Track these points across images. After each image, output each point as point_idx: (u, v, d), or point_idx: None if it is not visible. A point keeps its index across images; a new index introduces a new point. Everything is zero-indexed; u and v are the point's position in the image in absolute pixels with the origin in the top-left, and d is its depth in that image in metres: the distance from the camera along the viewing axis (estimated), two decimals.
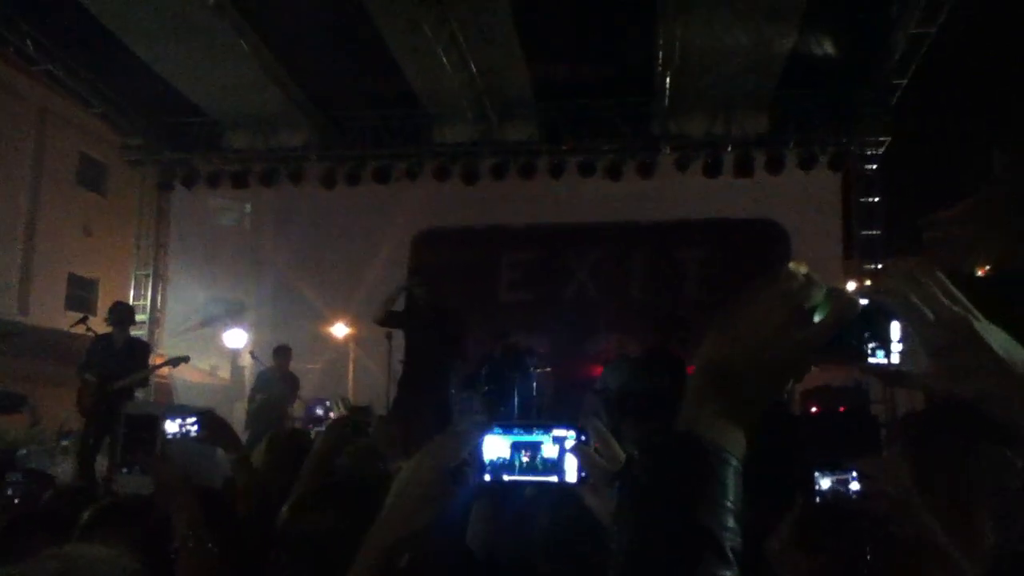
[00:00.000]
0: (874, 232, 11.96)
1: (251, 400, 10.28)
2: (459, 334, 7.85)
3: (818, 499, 2.27)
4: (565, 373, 11.11)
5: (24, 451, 9.76)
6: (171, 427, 2.82)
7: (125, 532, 2.15)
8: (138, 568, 1.37)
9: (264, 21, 10.28)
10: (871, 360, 1.02)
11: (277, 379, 10.26)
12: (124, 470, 2.45)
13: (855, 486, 2.22)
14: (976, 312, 1.00)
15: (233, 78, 11.34)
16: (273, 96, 11.80)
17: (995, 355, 0.97)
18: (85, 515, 2.32)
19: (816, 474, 2.28)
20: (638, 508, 0.94)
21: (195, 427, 2.90)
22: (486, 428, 1.42)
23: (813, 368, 1.00)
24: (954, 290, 1.00)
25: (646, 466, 0.95)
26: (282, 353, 10.53)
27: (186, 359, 9.76)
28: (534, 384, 9.79)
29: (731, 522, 0.89)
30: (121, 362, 8.45)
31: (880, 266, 11.93)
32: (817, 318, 0.95)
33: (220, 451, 3.19)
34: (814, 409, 8.57)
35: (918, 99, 11.58)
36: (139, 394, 9.48)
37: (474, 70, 10.82)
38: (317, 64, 11.31)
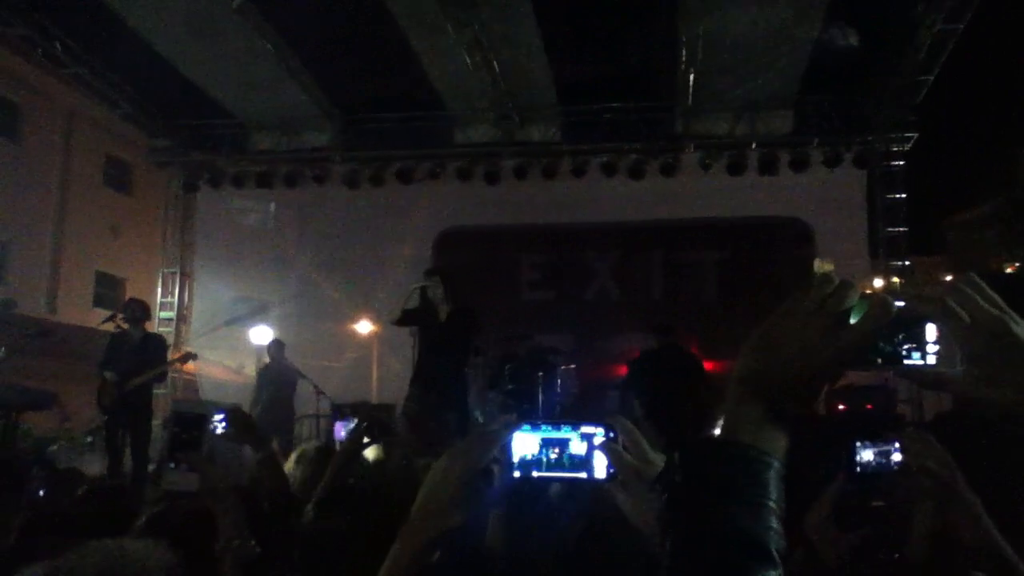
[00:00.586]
0: (900, 230, 11.89)
1: (255, 402, 10.24)
2: (473, 330, 7.80)
3: (859, 470, 2.25)
4: (588, 372, 11.12)
5: (54, 447, 9.90)
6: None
7: (171, 534, 2.19)
8: (177, 561, 1.39)
9: (288, 23, 10.35)
10: (907, 362, 1.02)
11: (276, 374, 10.28)
12: (171, 465, 2.49)
13: (897, 457, 2.20)
14: (1015, 315, 0.99)
15: (257, 80, 11.45)
16: (297, 97, 11.90)
17: None
18: (139, 522, 2.38)
19: (857, 444, 2.26)
20: (683, 514, 0.95)
21: (223, 424, 2.94)
22: (515, 426, 1.43)
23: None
24: (992, 293, 1.00)
25: (688, 472, 0.97)
26: (276, 347, 10.60)
27: (194, 356, 9.84)
28: (558, 382, 9.80)
29: (774, 523, 0.91)
30: (137, 358, 8.53)
31: (906, 263, 11.86)
32: (852, 320, 0.95)
33: (246, 449, 3.22)
34: (841, 407, 8.54)
35: (945, 96, 11.48)
36: (159, 389, 9.56)
37: (497, 71, 10.84)
38: (341, 65, 11.37)
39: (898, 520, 2.37)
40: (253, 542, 2.23)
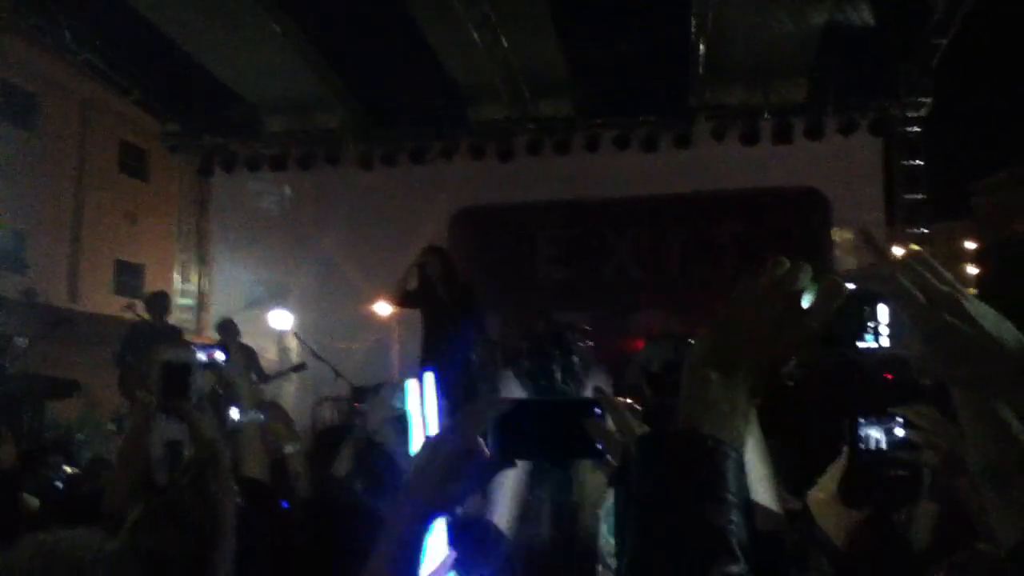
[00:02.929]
0: (918, 196, 11.75)
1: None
2: (474, 307, 7.71)
3: (863, 447, 2.24)
4: (607, 348, 11.08)
5: (81, 436, 10.02)
6: (200, 355, 2.93)
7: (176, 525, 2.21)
8: (118, 548, 1.40)
9: (297, 4, 10.34)
10: (860, 344, 1.03)
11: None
12: (163, 416, 2.55)
13: (900, 432, 2.18)
14: (965, 292, 1.00)
15: (268, 62, 11.45)
16: (308, 79, 11.88)
17: (987, 335, 0.97)
18: (134, 513, 2.40)
19: (861, 421, 2.25)
20: (640, 510, 0.93)
21: (221, 358, 3.02)
22: (503, 406, 1.44)
23: None
24: (944, 272, 1.01)
25: (646, 466, 0.95)
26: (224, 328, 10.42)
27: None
28: (575, 360, 9.77)
29: (736, 516, 0.89)
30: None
31: (925, 230, 11.74)
32: (805, 302, 0.96)
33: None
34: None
35: (961, 59, 11.30)
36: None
37: (506, 47, 10.77)
38: (350, 46, 11.35)
39: (905, 496, 2.36)
40: (238, 499, 2.24)
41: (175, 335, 9.40)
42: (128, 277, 19.72)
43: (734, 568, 0.87)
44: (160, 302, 9.23)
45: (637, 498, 0.95)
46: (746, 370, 0.96)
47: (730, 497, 0.90)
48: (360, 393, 10.08)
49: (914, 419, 2.05)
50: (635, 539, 0.93)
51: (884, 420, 2.22)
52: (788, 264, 0.98)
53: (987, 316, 0.98)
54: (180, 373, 2.56)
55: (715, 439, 0.92)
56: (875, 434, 2.21)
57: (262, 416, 3.02)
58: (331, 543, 2.15)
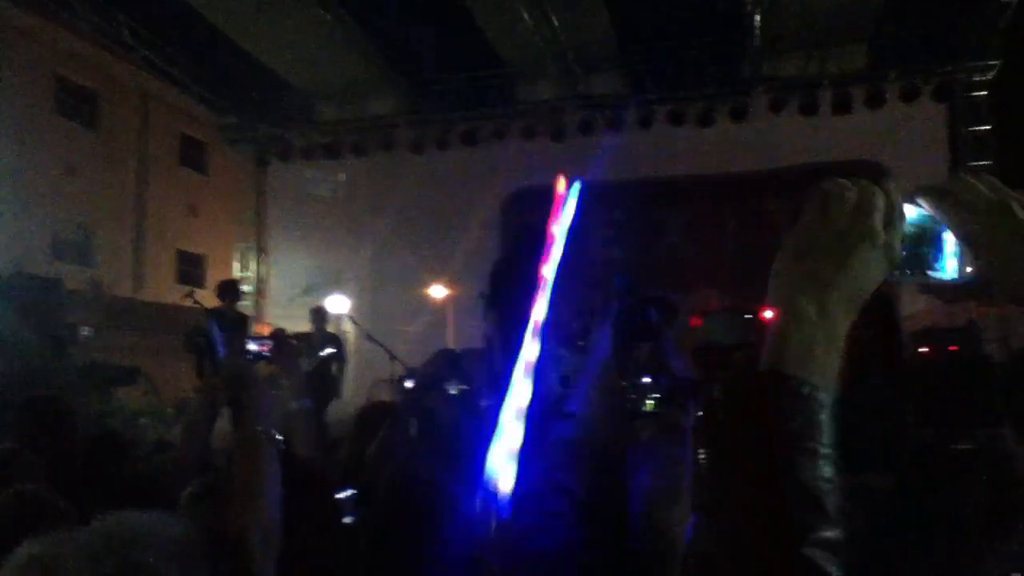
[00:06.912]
0: (984, 163, 11.30)
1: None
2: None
3: None
4: None
5: (145, 420, 10.24)
6: (253, 347, 3.10)
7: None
8: (186, 531, 1.36)
9: None
10: (931, 273, 0.93)
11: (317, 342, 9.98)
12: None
13: None
14: (1019, 198, 0.89)
15: (319, 51, 11.52)
16: (359, 66, 11.93)
17: None
18: (190, 488, 2.39)
19: None
20: (720, 460, 0.84)
21: (268, 347, 3.09)
22: None
23: (920, 309, 0.94)
24: (994, 179, 0.91)
25: (727, 412, 0.84)
26: (313, 315, 10.47)
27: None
28: None
29: (827, 471, 0.77)
30: (234, 334, 8.85)
31: None
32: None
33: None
34: (924, 350, 8.25)
35: None
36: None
37: (555, 24, 10.65)
38: (399, 31, 11.35)
39: None
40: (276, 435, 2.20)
41: (243, 322, 9.59)
42: (190, 267, 20.15)
43: (827, 533, 0.75)
44: (231, 290, 9.48)
45: (719, 450, 0.86)
46: (840, 297, 0.85)
47: (821, 449, 0.78)
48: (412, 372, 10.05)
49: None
50: (715, 498, 0.84)
51: None
52: (854, 186, 0.88)
53: None
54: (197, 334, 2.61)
55: (809, 384, 0.80)
56: None
57: (309, 403, 3.06)
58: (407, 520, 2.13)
